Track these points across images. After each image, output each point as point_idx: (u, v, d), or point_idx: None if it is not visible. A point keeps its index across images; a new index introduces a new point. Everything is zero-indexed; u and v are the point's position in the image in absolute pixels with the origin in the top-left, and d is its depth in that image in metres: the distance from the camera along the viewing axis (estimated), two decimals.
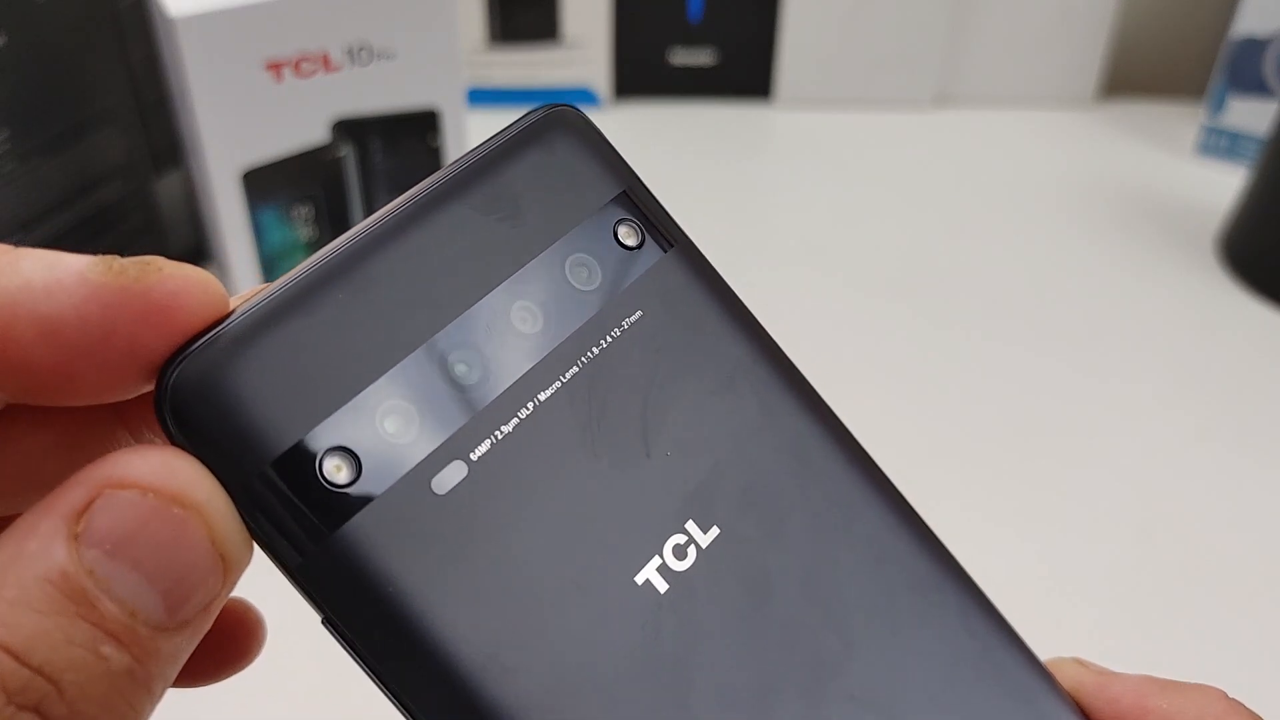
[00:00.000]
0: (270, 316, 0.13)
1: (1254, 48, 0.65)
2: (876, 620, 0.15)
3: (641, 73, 0.75)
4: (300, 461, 0.12)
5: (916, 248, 0.59)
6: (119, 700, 0.12)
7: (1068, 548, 0.39)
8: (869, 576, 0.15)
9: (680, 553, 0.14)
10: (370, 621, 0.12)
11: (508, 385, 0.13)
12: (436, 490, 0.13)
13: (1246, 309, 0.54)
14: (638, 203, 0.15)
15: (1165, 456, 0.44)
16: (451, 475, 0.13)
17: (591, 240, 0.14)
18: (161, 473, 0.12)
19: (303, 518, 0.12)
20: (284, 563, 0.13)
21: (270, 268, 0.46)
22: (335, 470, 0.12)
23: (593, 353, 0.14)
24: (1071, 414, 0.47)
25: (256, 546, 0.13)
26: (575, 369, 0.14)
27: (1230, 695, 0.16)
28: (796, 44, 0.73)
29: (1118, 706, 0.16)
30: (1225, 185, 0.64)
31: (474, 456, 0.13)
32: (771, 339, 0.16)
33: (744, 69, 0.75)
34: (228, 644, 0.17)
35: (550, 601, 0.13)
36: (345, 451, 0.12)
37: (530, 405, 0.13)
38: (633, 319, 0.14)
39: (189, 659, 0.16)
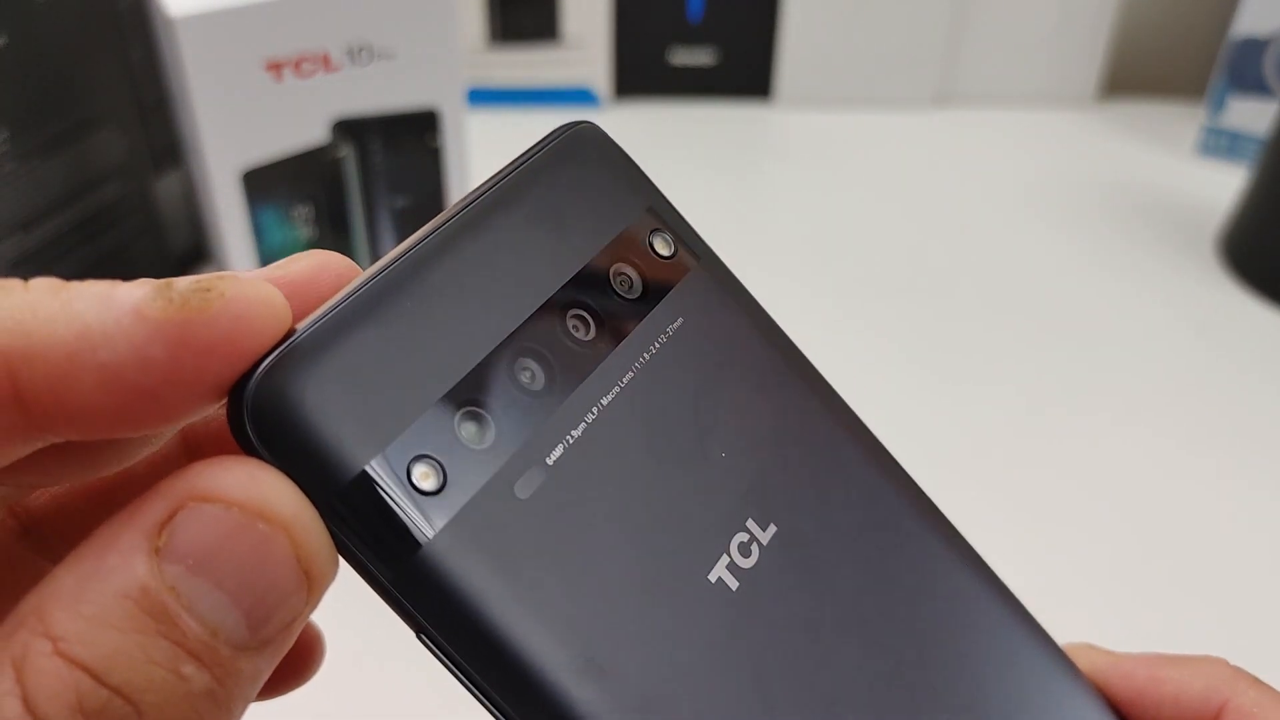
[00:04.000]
0: (342, 326, 0.13)
1: (1254, 48, 0.65)
2: (921, 608, 0.15)
3: (641, 72, 0.75)
4: (391, 470, 0.12)
5: (916, 247, 0.59)
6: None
7: (1067, 547, 0.39)
8: (908, 570, 0.16)
9: (745, 550, 0.14)
10: (468, 629, 0.12)
11: (571, 391, 0.14)
12: (519, 495, 0.13)
13: (1246, 308, 0.54)
14: (665, 215, 0.16)
15: (1165, 455, 0.44)
16: (532, 479, 0.13)
17: (630, 250, 0.15)
18: (247, 486, 0.12)
19: (396, 527, 0.12)
20: (378, 575, 0.12)
21: None
22: (424, 478, 0.12)
23: (644, 359, 0.14)
24: (1071, 413, 0.47)
25: (343, 562, 0.13)
26: (631, 374, 0.14)
27: (1233, 664, 0.17)
28: (796, 44, 0.73)
29: (1132, 681, 0.17)
30: (1225, 185, 0.64)
31: (550, 461, 0.13)
32: (792, 342, 0.17)
33: (744, 69, 0.75)
34: (287, 660, 0.16)
35: (635, 602, 0.13)
36: (430, 459, 0.12)
37: (594, 410, 0.14)
38: (675, 325, 0.15)
39: None
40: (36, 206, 0.43)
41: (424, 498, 0.12)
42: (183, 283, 0.12)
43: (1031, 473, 0.43)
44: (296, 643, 0.16)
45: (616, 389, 0.14)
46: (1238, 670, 0.17)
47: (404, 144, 0.47)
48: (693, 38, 0.74)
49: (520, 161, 0.15)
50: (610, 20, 0.72)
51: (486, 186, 0.14)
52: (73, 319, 0.11)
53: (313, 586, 0.12)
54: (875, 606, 0.15)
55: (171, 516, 0.11)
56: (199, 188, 0.46)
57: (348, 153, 0.46)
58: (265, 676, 0.12)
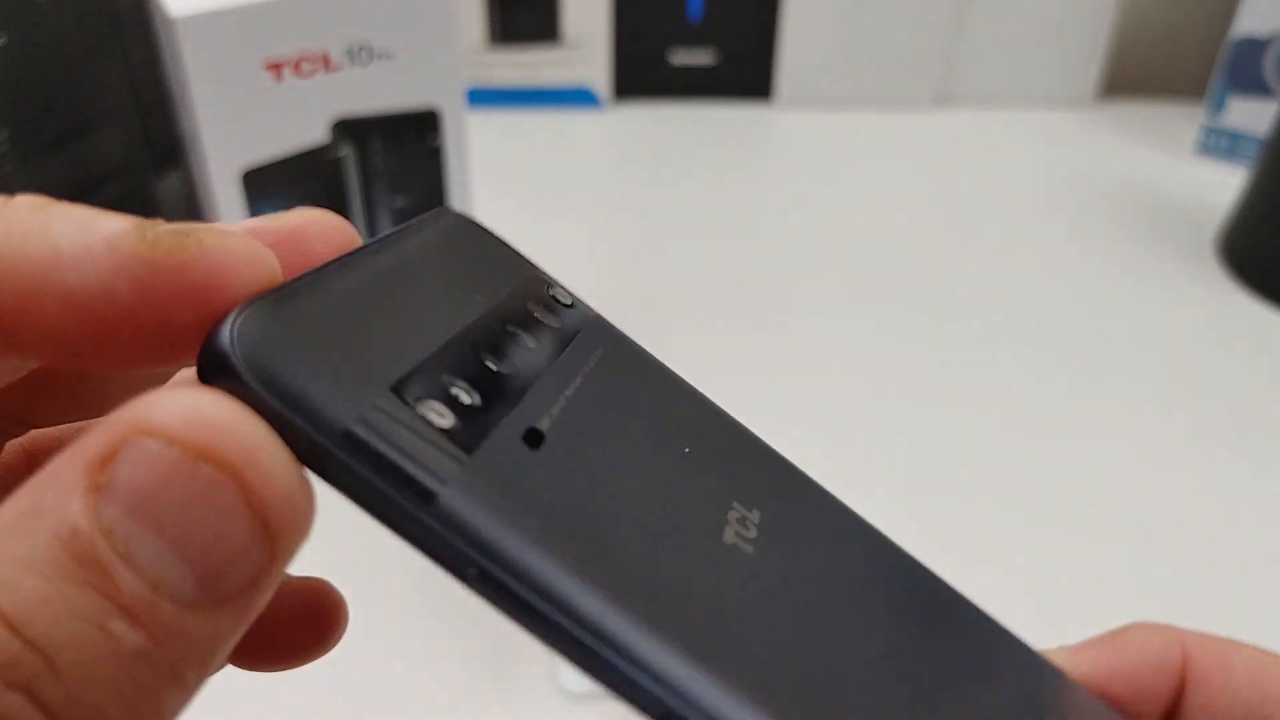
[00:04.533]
0: (339, 279, 0.13)
1: (1254, 48, 0.65)
2: (895, 596, 0.16)
3: (641, 73, 0.75)
4: (405, 405, 0.11)
5: (916, 247, 0.59)
6: (131, 687, 0.10)
7: (1065, 546, 0.39)
8: (872, 563, 0.16)
9: (744, 524, 0.14)
10: (514, 558, 0.11)
11: (547, 367, 0.14)
12: (528, 447, 0.13)
13: (1245, 308, 0.54)
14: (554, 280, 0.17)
15: (1164, 455, 0.44)
16: (542, 424, 0.13)
17: (535, 295, 0.16)
18: (190, 419, 0.10)
19: (427, 452, 0.11)
20: (407, 511, 0.11)
21: None
22: (438, 415, 0.12)
23: (587, 367, 0.15)
24: (1070, 412, 0.47)
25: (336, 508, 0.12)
26: (580, 379, 0.15)
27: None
28: (796, 44, 0.73)
29: (1097, 663, 0.17)
30: (1225, 185, 0.64)
31: (553, 412, 0.13)
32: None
33: (744, 69, 0.75)
34: (305, 625, 0.15)
35: (663, 546, 0.13)
36: (437, 400, 0.12)
37: (567, 393, 0.14)
38: (598, 354, 0.15)
39: (260, 639, 0.15)
40: None
41: (440, 434, 0.12)
42: (167, 226, 0.11)
43: (1029, 471, 0.43)
44: (312, 605, 0.15)
45: (573, 385, 0.14)
46: (1167, 624, 0.17)
47: (404, 144, 0.47)
48: (693, 38, 0.74)
49: (403, 230, 0.15)
50: (610, 21, 0.72)
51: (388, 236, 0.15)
52: (46, 238, 0.11)
53: (275, 540, 0.11)
54: (865, 584, 0.15)
55: (115, 452, 0.10)
56: (199, 187, 0.46)
57: (348, 153, 0.46)
58: (229, 640, 0.11)
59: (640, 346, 0.17)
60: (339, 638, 0.16)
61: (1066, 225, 0.61)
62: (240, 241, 0.12)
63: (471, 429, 0.12)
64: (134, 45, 0.46)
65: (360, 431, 0.11)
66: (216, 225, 0.12)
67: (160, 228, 0.11)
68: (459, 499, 0.11)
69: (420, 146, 0.47)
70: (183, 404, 0.10)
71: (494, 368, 0.13)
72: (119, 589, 0.10)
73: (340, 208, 0.47)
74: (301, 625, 0.15)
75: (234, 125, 0.42)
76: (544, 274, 0.17)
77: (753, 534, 0.14)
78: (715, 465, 0.15)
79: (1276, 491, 0.42)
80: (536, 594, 0.11)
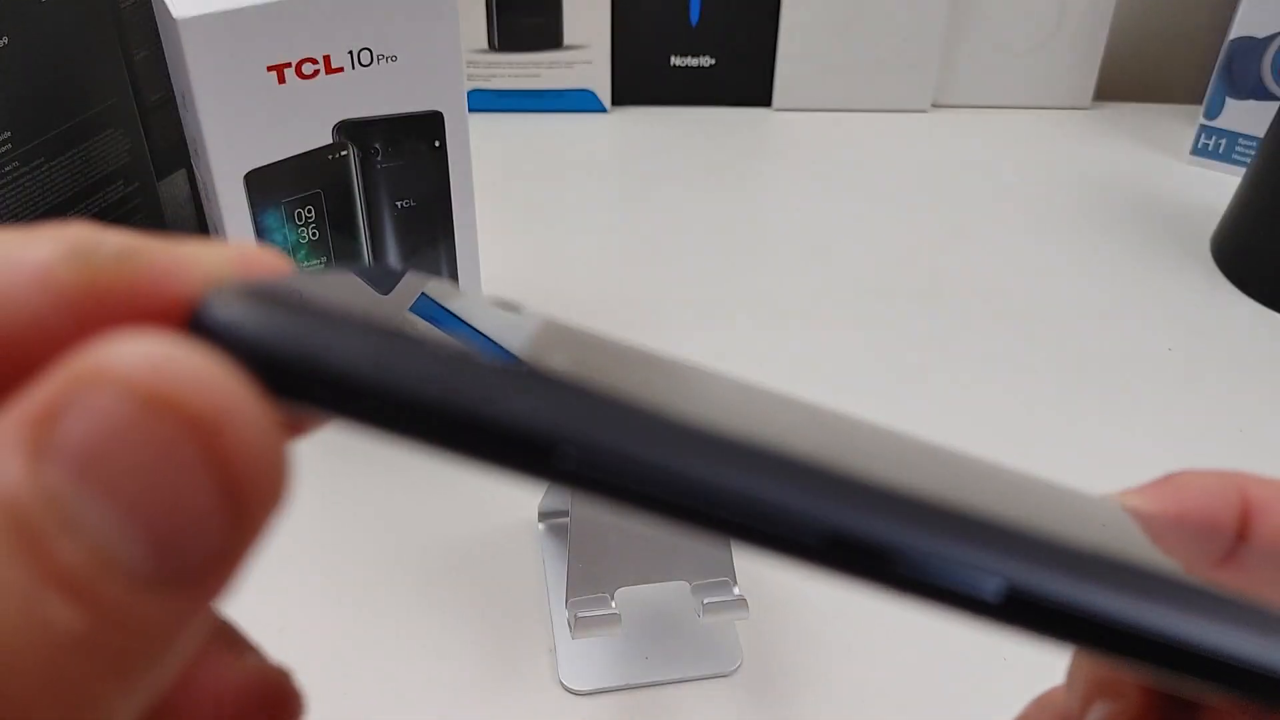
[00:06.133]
0: (301, 280, 0.12)
1: (1250, 50, 0.66)
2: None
3: (642, 78, 0.75)
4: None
5: (913, 251, 0.59)
6: (64, 683, 0.08)
7: None
8: None
9: None
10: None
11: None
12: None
13: (1241, 311, 0.54)
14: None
15: (1161, 456, 0.44)
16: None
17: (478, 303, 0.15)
18: (153, 363, 0.09)
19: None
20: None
21: None
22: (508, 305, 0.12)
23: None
24: (1066, 414, 0.47)
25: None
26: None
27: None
28: (794, 50, 0.73)
29: (1160, 499, 0.16)
30: (1221, 187, 0.64)
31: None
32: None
33: (743, 75, 0.75)
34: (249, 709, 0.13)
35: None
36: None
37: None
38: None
39: None
40: (39, 208, 0.43)
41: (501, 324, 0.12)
42: (111, 245, 0.10)
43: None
44: (267, 700, 0.13)
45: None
46: (1217, 469, 0.16)
47: (407, 146, 0.47)
48: (692, 44, 0.74)
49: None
50: (611, 26, 0.72)
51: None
52: None
53: (241, 508, 0.09)
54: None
55: (60, 406, 0.09)
56: (202, 189, 0.47)
57: (350, 155, 0.46)
58: (180, 636, 0.09)
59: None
60: None
61: (1062, 228, 0.62)
62: (193, 248, 0.10)
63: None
64: (136, 46, 0.47)
65: (400, 351, 0.09)
66: (166, 241, 0.11)
67: (101, 247, 0.10)
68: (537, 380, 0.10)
69: (423, 149, 0.47)
70: (144, 348, 0.09)
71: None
72: (57, 561, 0.08)
73: (343, 210, 0.47)
74: None
75: (237, 127, 0.42)
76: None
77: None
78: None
79: None
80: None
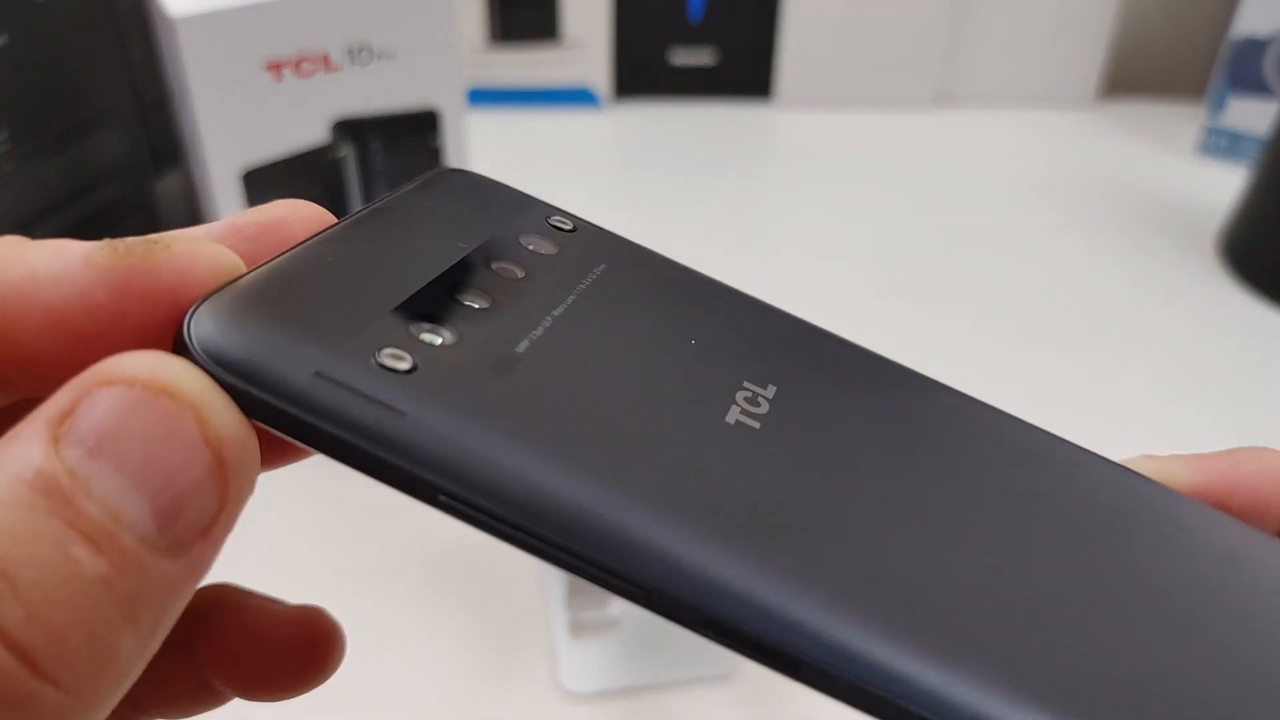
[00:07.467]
0: (292, 263, 0.13)
1: (1254, 48, 0.65)
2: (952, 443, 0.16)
3: (641, 73, 0.75)
4: (360, 354, 0.12)
5: (917, 247, 0.59)
6: (91, 613, 0.10)
7: None
8: (919, 415, 0.16)
9: (753, 402, 0.14)
10: (469, 477, 0.12)
11: (515, 308, 0.14)
12: (495, 374, 0.13)
13: (1246, 308, 0.54)
14: (553, 206, 0.17)
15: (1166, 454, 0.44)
16: (504, 363, 0.13)
17: (532, 227, 0.16)
18: (153, 367, 0.11)
19: (374, 401, 0.12)
20: (366, 454, 0.12)
21: None
22: (394, 359, 0.12)
23: (581, 286, 0.15)
24: (1071, 412, 0.47)
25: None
26: (572, 297, 0.15)
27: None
28: (796, 44, 0.73)
29: (1211, 475, 0.17)
30: (1225, 185, 0.64)
31: (519, 350, 0.13)
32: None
33: (744, 69, 0.75)
34: (300, 654, 0.16)
35: (657, 436, 0.13)
36: (396, 348, 0.12)
37: (547, 320, 0.14)
38: (600, 268, 0.16)
39: (256, 667, 0.15)
40: (37, 206, 0.43)
41: (397, 376, 0.12)
42: (134, 238, 0.12)
43: None
44: (307, 633, 0.16)
45: (563, 305, 0.15)
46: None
47: (404, 144, 0.47)
48: (693, 38, 0.74)
49: (408, 186, 0.16)
50: (610, 20, 0.72)
51: (387, 196, 0.16)
52: (23, 264, 0.12)
53: (227, 477, 0.11)
54: (897, 445, 0.15)
55: (75, 406, 0.11)
56: (199, 187, 0.46)
57: (348, 152, 0.46)
58: (184, 593, 0.11)
59: (649, 250, 0.17)
60: (335, 667, 0.16)
61: (1067, 225, 0.61)
62: (203, 244, 0.13)
63: (435, 368, 0.12)
64: (134, 45, 0.46)
65: (311, 391, 0.12)
66: (180, 231, 0.13)
67: (129, 240, 0.12)
68: (413, 430, 0.12)
69: (420, 146, 0.47)
70: (145, 357, 0.11)
71: (475, 305, 0.14)
72: (82, 518, 0.10)
73: (341, 208, 0.47)
74: (297, 653, 0.16)
75: (234, 125, 0.42)
76: (545, 205, 0.17)
77: (763, 410, 0.14)
78: (725, 351, 0.15)
79: None
80: (499, 506, 0.12)
